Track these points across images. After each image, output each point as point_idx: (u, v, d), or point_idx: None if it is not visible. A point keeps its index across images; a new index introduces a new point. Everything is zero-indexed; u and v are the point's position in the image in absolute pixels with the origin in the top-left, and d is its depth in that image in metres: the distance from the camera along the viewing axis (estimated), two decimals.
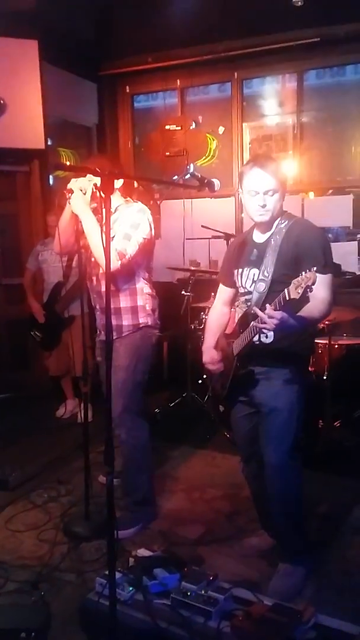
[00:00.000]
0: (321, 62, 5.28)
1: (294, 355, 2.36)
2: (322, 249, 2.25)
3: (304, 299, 1.99)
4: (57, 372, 4.80)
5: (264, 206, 2.29)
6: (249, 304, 2.37)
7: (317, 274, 1.91)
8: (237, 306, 2.51)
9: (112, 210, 2.76)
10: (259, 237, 2.42)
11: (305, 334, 2.37)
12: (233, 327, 2.52)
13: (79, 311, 3.36)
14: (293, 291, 1.94)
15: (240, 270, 2.45)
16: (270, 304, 2.06)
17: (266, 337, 2.31)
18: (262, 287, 2.30)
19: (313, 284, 1.89)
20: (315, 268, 1.92)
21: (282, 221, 2.34)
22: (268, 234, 2.36)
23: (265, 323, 2.04)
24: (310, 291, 1.92)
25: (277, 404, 2.35)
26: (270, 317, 2.02)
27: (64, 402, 4.89)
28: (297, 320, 2.11)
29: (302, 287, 1.90)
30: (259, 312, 2.06)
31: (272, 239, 2.32)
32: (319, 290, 2.01)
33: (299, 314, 2.13)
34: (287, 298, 1.97)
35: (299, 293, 1.92)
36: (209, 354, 2.63)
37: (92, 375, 4.08)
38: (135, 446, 2.93)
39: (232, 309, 2.62)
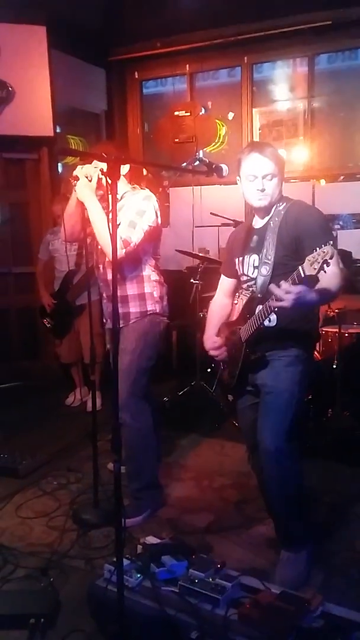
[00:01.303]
0: (333, 46, 5.21)
1: (297, 338, 2.33)
2: (321, 227, 2.22)
3: (319, 275, 1.91)
4: (68, 360, 4.81)
5: (262, 190, 2.27)
6: (252, 289, 2.35)
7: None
8: (240, 294, 2.48)
9: (119, 197, 2.74)
10: (258, 222, 2.41)
11: (309, 317, 2.34)
12: (237, 315, 2.49)
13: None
14: (308, 268, 1.87)
15: (241, 258, 2.43)
16: (284, 282, 1.99)
17: (269, 320, 2.28)
18: (265, 270, 2.28)
19: (331, 258, 1.84)
20: (330, 242, 1.87)
21: (280, 204, 2.32)
22: (267, 218, 2.35)
23: (282, 300, 1.97)
24: (328, 266, 1.85)
25: (277, 385, 2.33)
26: (287, 292, 1.94)
27: (74, 390, 4.91)
28: (316, 294, 2.03)
29: (319, 263, 1.84)
30: (275, 289, 1.98)
31: (271, 222, 2.31)
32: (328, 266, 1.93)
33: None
34: (303, 275, 1.91)
35: (315, 269, 1.86)
36: (211, 340, 2.60)
37: (102, 363, 4.09)
38: (140, 430, 2.92)
39: (235, 302, 2.58)
